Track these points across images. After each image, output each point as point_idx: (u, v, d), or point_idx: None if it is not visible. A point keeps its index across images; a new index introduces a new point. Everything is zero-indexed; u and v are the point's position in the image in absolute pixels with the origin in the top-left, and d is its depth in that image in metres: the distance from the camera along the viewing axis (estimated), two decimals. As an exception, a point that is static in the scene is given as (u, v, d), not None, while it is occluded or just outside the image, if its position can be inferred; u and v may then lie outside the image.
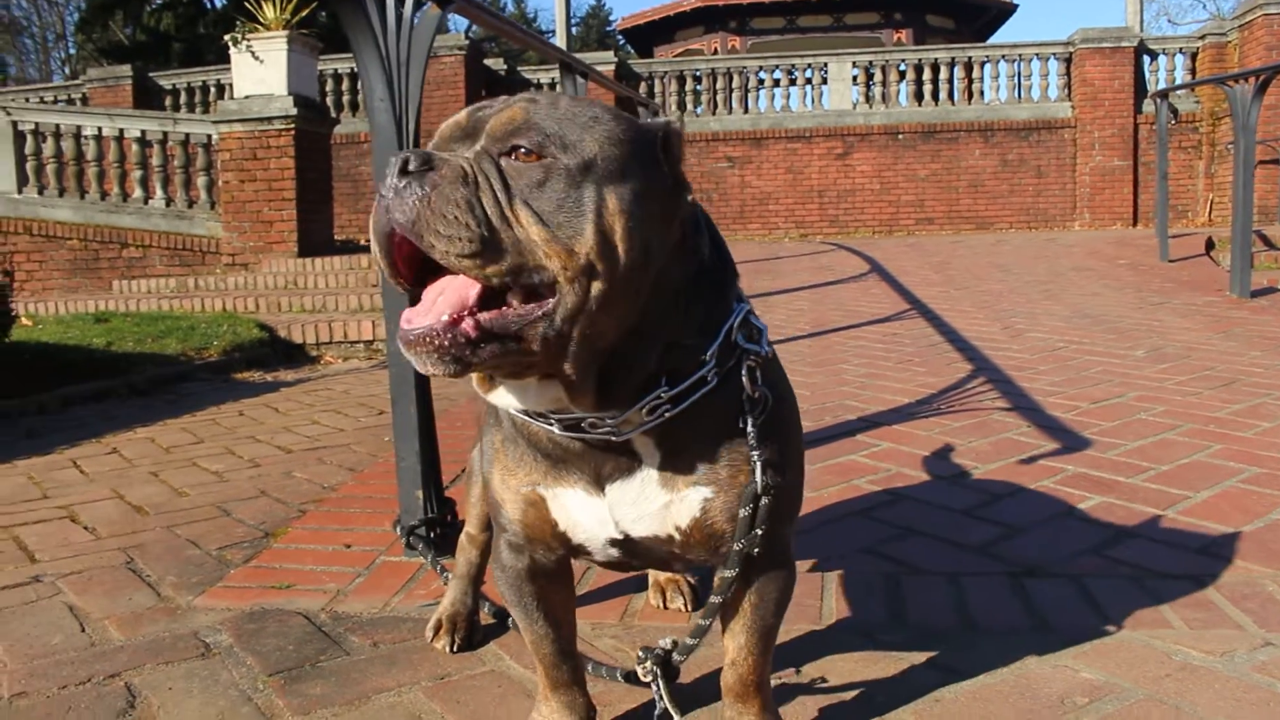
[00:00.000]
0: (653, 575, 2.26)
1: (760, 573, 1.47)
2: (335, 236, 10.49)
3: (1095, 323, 6.20)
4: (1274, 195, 12.96)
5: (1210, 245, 9.69)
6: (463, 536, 2.09)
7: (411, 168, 1.14)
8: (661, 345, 1.28)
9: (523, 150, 1.18)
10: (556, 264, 1.16)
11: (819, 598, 2.25)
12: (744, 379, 1.35)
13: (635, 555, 1.47)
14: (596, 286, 1.17)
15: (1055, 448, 3.41)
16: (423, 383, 2.64)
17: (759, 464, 1.36)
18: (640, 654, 1.57)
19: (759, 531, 1.37)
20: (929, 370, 4.88)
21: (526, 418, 1.35)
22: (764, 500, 1.36)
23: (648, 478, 1.37)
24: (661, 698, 1.55)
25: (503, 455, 1.47)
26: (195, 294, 8.68)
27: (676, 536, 1.40)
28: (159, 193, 10.01)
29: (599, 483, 1.39)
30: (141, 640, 2.13)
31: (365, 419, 4.48)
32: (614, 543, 1.43)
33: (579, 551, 1.48)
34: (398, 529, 2.58)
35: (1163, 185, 9.42)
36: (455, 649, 2.02)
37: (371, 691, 1.87)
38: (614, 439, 1.32)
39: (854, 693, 1.82)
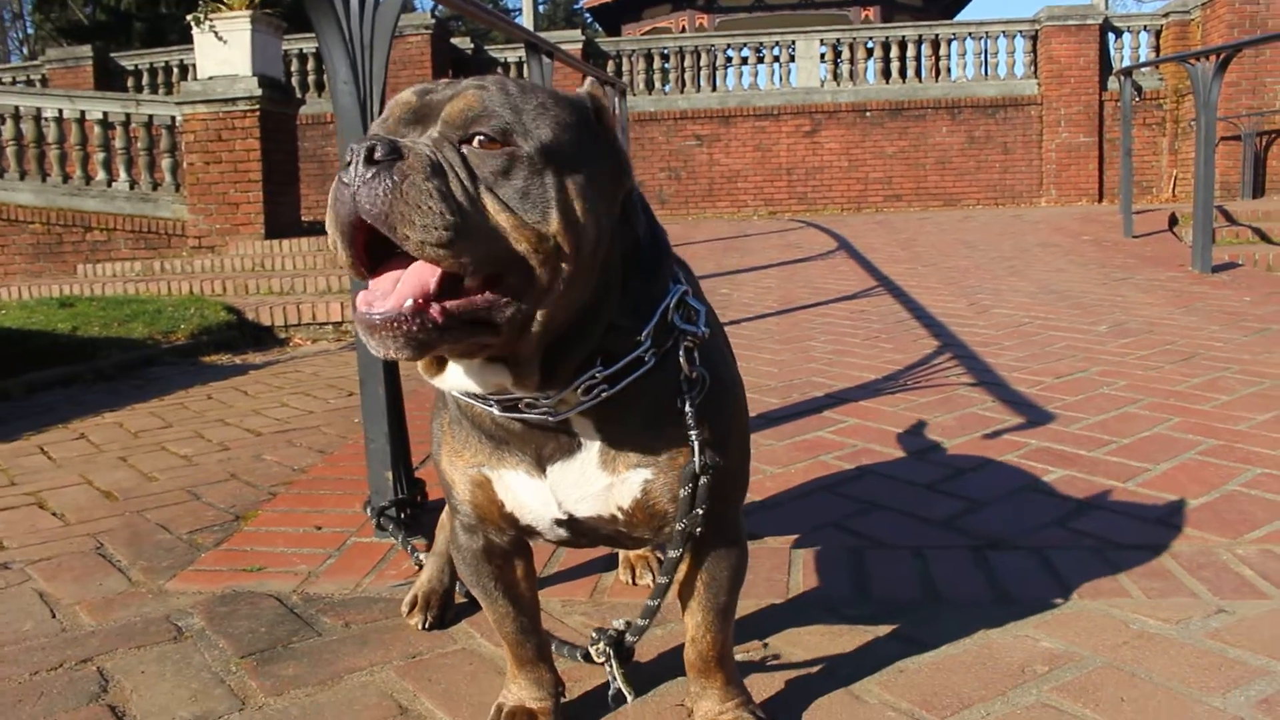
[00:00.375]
0: (622, 552, 2.27)
1: (710, 551, 1.49)
2: (302, 218, 10.42)
3: (1060, 298, 6.27)
4: (1235, 171, 13.14)
5: (1173, 221, 9.82)
6: (443, 514, 2.08)
7: (379, 156, 1.12)
8: (604, 325, 1.29)
9: (484, 138, 1.18)
10: (527, 248, 1.17)
11: (786, 572, 2.28)
12: (681, 359, 1.36)
13: (583, 535, 1.49)
14: (565, 268, 1.19)
15: (1019, 422, 3.46)
16: (391, 364, 2.64)
17: (697, 444, 1.37)
18: (594, 635, 1.58)
19: (699, 512, 1.39)
20: (896, 347, 4.92)
21: (469, 399, 1.36)
22: (703, 480, 1.37)
23: (588, 459, 1.39)
24: (615, 678, 1.57)
25: (450, 437, 1.48)
26: (161, 277, 8.59)
27: (620, 517, 1.42)
28: (123, 175, 9.90)
29: (541, 464, 1.40)
30: (113, 625, 2.13)
31: (334, 401, 4.48)
32: (560, 523, 1.45)
33: (529, 532, 1.50)
34: (368, 510, 2.59)
35: (1127, 162, 9.51)
36: (427, 626, 2.04)
37: (344, 671, 1.89)
38: (550, 419, 1.33)
39: (819, 665, 1.85)
